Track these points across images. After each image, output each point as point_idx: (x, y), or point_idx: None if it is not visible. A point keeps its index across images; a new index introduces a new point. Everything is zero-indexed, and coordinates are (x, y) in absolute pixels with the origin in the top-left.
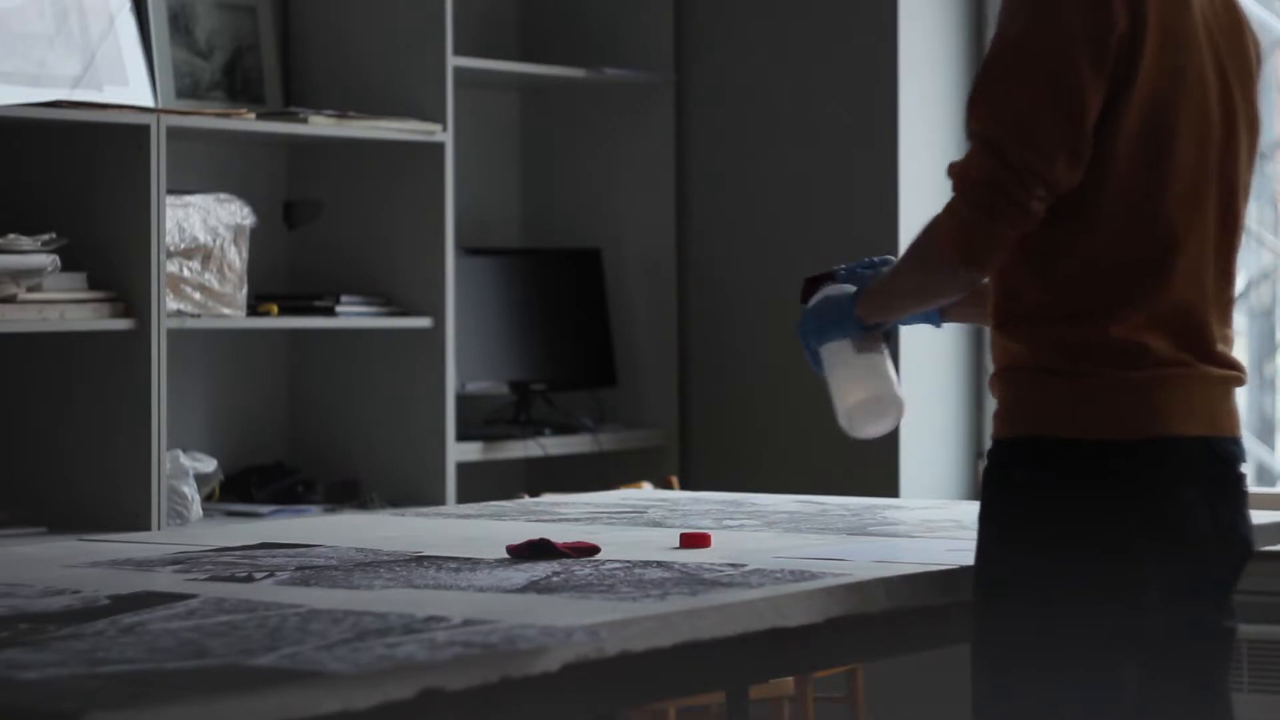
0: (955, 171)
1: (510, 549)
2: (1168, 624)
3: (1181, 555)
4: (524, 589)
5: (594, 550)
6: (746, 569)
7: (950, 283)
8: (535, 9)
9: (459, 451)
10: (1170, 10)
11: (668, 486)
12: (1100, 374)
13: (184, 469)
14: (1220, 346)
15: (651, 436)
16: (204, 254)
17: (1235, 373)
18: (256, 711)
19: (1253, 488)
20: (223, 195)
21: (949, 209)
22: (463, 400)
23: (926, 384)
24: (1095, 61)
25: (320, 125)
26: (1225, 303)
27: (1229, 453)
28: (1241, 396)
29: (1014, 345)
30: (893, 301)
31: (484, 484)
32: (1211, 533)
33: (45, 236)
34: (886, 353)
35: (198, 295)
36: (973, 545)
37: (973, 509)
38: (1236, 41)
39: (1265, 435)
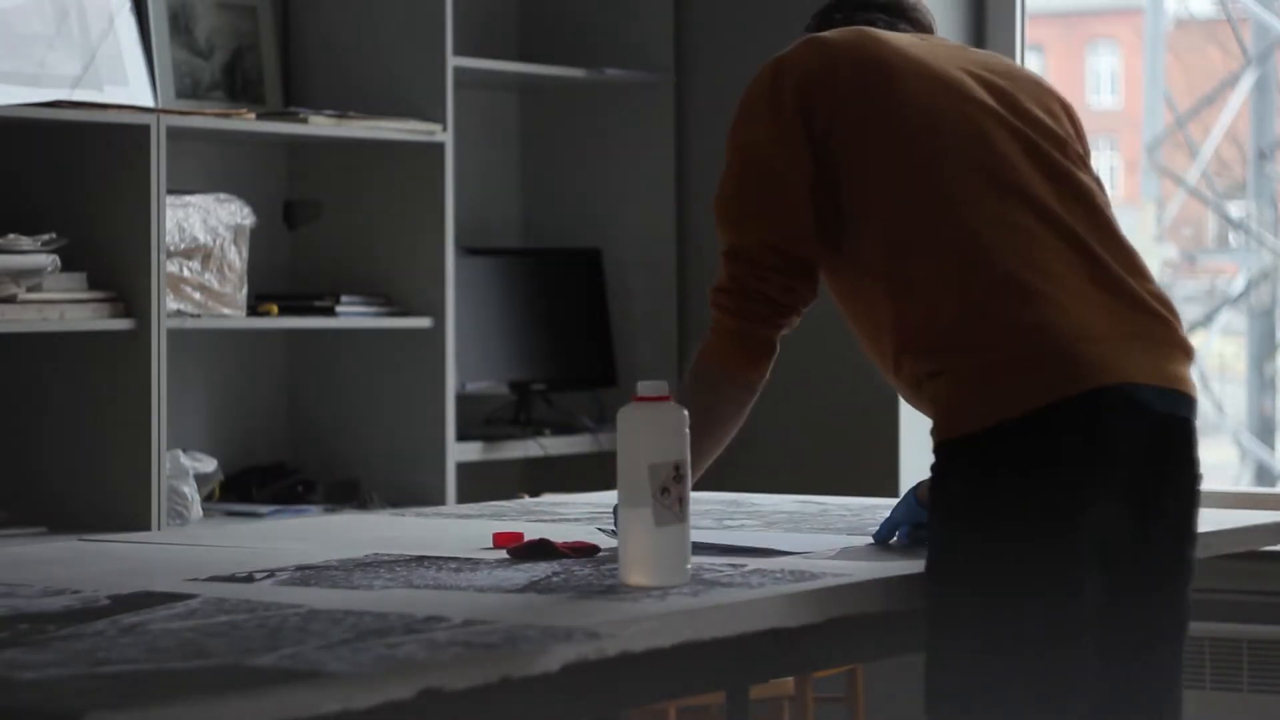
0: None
1: (510, 549)
2: (1109, 609)
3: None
4: (524, 589)
5: (594, 550)
6: (746, 569)
7: (732, 392)
8: (535, 9)
9: (459, 451)
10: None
11: None
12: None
13: (184, 469)
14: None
15: None
16: (204, 254)
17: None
18: (256, 711)
19: (1253, 488)
20: (223, 195)
21: (711, 328)
22: (463, 400)
23: None
24: (786, 146)
25: (320, 125)
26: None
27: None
28: (1241, 396)
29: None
30: (695, 438)
31: (484, 484)
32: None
33: (45, 236)
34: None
35: (198, 295)
36: None
37: None
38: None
39: (1265, 435)
